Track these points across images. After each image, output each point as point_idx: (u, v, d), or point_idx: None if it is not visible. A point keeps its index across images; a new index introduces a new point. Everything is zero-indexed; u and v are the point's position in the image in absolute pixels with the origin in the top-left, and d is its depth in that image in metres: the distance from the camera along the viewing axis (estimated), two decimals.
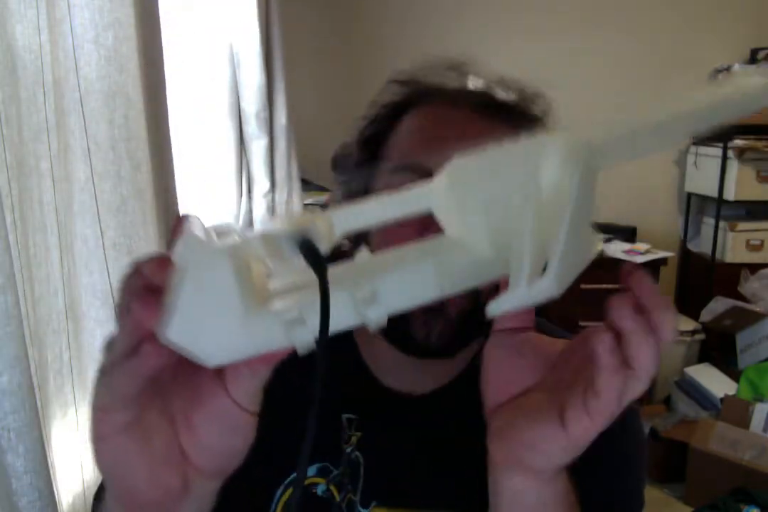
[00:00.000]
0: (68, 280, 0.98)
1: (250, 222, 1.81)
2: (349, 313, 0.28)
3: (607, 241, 2.67)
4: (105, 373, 0.31)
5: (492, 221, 0.30)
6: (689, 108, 0.32)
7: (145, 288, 0.28)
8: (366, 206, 0.30)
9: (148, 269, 0.29)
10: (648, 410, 2.42)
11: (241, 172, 1.82)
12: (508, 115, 0.60)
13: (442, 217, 0.31)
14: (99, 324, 1.03)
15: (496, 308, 0.31)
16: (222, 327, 0.27)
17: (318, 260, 0.27)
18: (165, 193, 1.17)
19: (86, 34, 0.96)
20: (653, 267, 2.48)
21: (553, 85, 0.65)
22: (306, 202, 2.02)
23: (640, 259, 2.45)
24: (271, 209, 1.85)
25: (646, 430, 2.28)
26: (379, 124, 0.63)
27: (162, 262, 0.28)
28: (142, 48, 1.06)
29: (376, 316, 0.29)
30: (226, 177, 1.79)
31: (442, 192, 0.31)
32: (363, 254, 0.31)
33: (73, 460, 1.01)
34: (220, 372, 0.32)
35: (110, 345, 0.31)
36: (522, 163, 0.29)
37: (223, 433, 0.34)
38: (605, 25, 2.80)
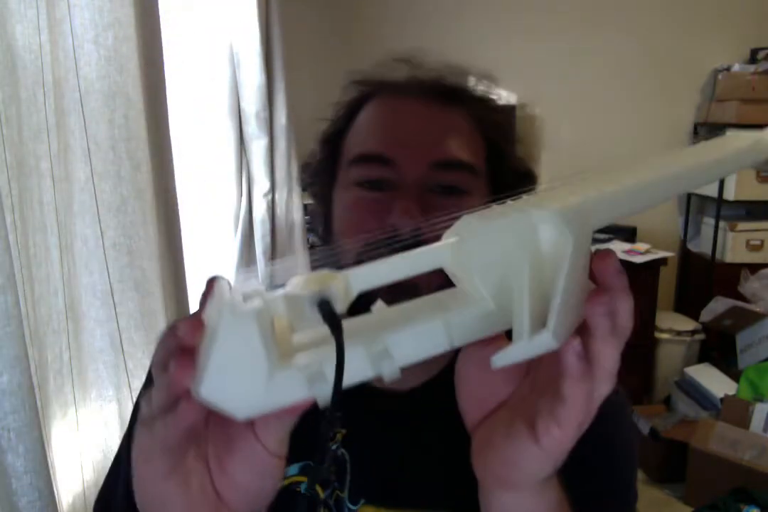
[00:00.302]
0: (68, 280, 0.98)
1: (249, 223, 1.81)
2: (365, 367, 0.31)
3: (607, 240, 2.67)
4: (145, 425, 0.33)
5: (496, 278, 0.32)
6: (677, 170, 0.33)
7: (180, 348, 0.31)
8: (381, 266, 0.33)
9: (182, 330, 0.31)
10: (648, 410, 2.42)
11: (241, 172, 1.82)
12: (457, 98, 0.61)
13: (454, 273, 0.34)
14: (99, 324, 1.03)
15: (500, 360, 0.32)
16: (249, 384, 0.30)
17: (334, 321, 0.29)
18: (165, 193, 1.17)
19: (86, 34, 0.96)
20: (653, 267, 2.48)
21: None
22: (306, 202, 2.02)
23: (640, 259, 2.45)
24: (271, 209, 1.85)
25: (646, 430, 2.28)
26: (338, 123, 0.64)
27: (195, 324, 0.31)
28: (142, 48, 1.06)
29: (390, 370, 0.31)
30: (226, 177, 1.79)
31: (451, 250, 0.33)
32: (379, 306, 0.34)
33: (73, 460, 1.01)
34: (250, 421, 0.34)
35: (148, 399, 0.33)
36: (520, 229, 0.32)
37: (254, 476, 0.36)
38: (605, 26, 2.80)
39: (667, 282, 2.82)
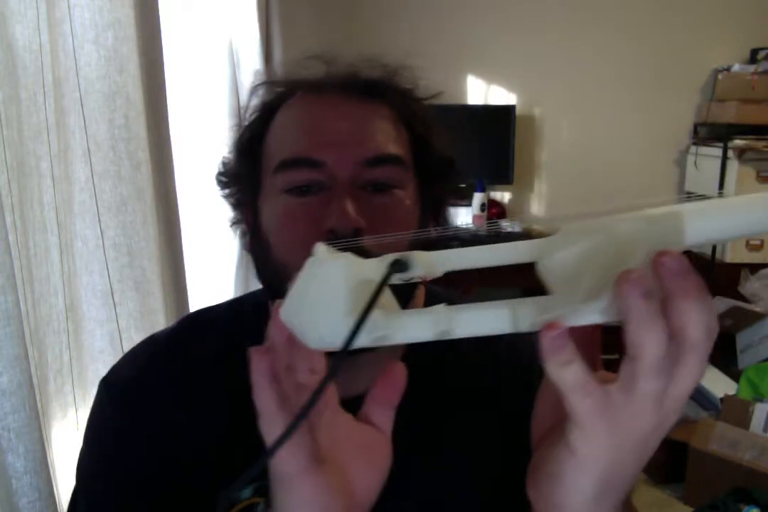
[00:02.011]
0: (68, 280, 0.98)
1: None
2: (425, 328, 0.34)
3: None
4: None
5: (575, 281, 0.33)
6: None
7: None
8: (472, 251, 0.35)
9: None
10: None
11: None
12: (377, 92, 0.59)
13: (542, 271, 0.35)
14: (99, 324, 1.03)
15: (539, 322, 0.32)
16: (327, 319, 0.35)
17: (386, 275, 0.34)
18: (165, 193, 1.17)
19: (86, 34, 0.96)
20: None
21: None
22: None
23: None
24: None
25: None
26: (253, 128, 0.61)
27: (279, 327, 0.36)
28: (142, 48, 1.06)
29: (445, 332, 0.34)
30: None
31: (553, 250, 0.34)
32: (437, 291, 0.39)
33: (73, 460, 1.01)
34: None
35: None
36: (623, 242, 0.32)
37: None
38: (605, 25, 2.80)
39: None
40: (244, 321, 0.63)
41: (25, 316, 0.83)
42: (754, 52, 2.74)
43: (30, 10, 0.87)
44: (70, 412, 1.00)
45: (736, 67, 2.69)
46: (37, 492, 0.79)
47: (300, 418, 0.33)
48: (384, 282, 0.34)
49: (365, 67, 0.61)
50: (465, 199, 2.71)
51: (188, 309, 1.30)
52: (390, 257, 0.35)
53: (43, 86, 0.91)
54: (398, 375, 0.40)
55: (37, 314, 0.92)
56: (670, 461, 2.20)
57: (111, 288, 1.03)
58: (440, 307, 0.34)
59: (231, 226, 0.66)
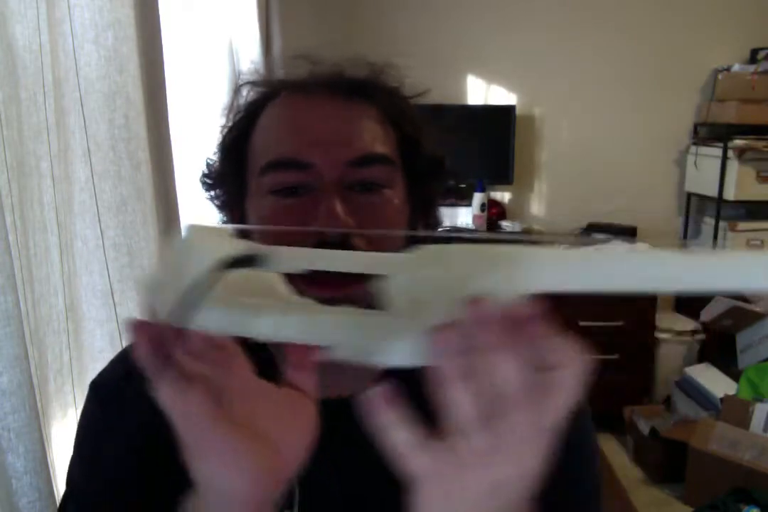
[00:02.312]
0: (68, 280, 0.98)
1: None
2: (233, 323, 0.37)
3: (607, 241, 2.67)
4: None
5: (416, 300, 0.32)
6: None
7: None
8: (335, 254, 0.37)
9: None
10: (648, 410, 2.42)
11: None
12: (363, 91, 0.59)
13: (386, 289, 0.34)
14: (99, 324, 1.03)
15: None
16: (173, 297, 0.35)
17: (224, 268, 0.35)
18: (165, 193, 1.17)
19: (86, 34, 0.96)
20: None
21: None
22: None
23: None
24: None
25: (646, 430, 2.28)
26: (238, 129, 0.61)
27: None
28: (142, 48, 1.06)
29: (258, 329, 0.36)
30: None
31: (406, 267, 0.33)
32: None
33: None
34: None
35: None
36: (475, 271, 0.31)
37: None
38: (605, 25, 2.80)
39: None
40: None
41: (25, 316, 0.83)
42: (754, 52, 2.74)
43: (30, 10, 0.87)
44: (70, 412, 1.00)
45: (736, 67, 2.69)
46: (37, 492, 0.79)
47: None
48: (213, 275, 0.34)
49: (351, 67, 0.61)
50: (465, 199, 2.71)
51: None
52: (253, 248, 0.36)
53: (43, 86, 0.91)
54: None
55: (37, 314, 0.92)
56: (670, 461, 2.20)
57: (111, 288, 1.03)
58: (274, 309, 0.36)
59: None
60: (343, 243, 0.52)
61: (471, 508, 0.32)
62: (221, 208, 0.64)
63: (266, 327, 0.35)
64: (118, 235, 1.04)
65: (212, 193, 0.64)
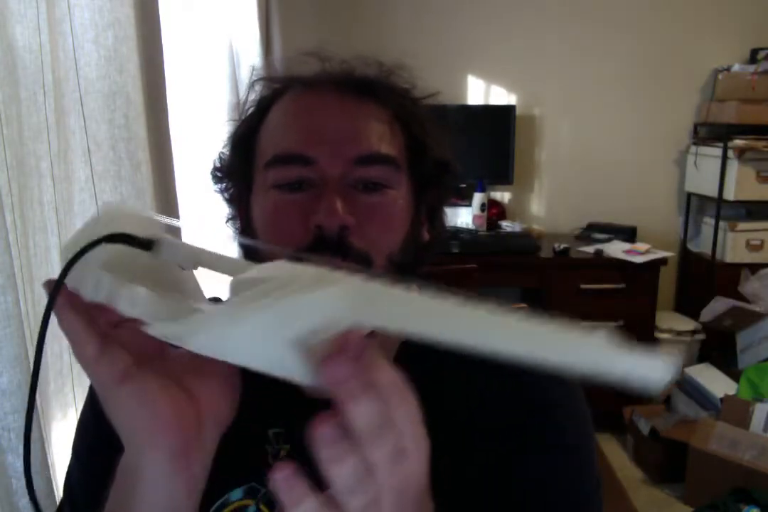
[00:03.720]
0: None
1: None
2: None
3: (607, 240, 2.67)
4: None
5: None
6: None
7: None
8: (212, 254, 0.41)
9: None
10: (648, 410, 2.42)
11: None
12: (372, 90, 0.59)
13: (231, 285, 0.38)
14: None
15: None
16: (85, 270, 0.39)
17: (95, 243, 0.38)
18: (165, 193, 1.17)
19: (86, 34, 0.96)
20: (653, 267, 2.49)
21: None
22: None
23: (640, 259, 2.45)
24: None
25: (646, 430, 2.28)
26: (249, 123, 0.61)
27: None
28: (142, 48, 1.06)
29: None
30: None
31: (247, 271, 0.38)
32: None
33: None
34: None
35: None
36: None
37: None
38: (605, 25, 2.80)
39: (667, 282, 2.82)
40: None
41: (25, 316, 0.83)
42: (754, 52, 2.74)
43: (30, 10, 0.87)
44: (70, 412, 1.00)
45: (736, 67, 2.69)
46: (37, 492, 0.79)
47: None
48: (90, 245, 0.38)
49: (361, 65, 0.61)
50: (465, 199, 2.71)
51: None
52: (154, 235, 0.39)
53: (43, 86, 0.91)
54: None
55: (37, 314, 0.92)
56: (670, 461, 2.20)
57: None
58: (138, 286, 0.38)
59: (226, 222, 0.66)
60: (340, 240, 0.52)
61: None
62: (229, 201, 0.64)
63: (125, 302, 0.38)
64: None
65: (220, 186, 0.64)
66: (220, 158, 0.65)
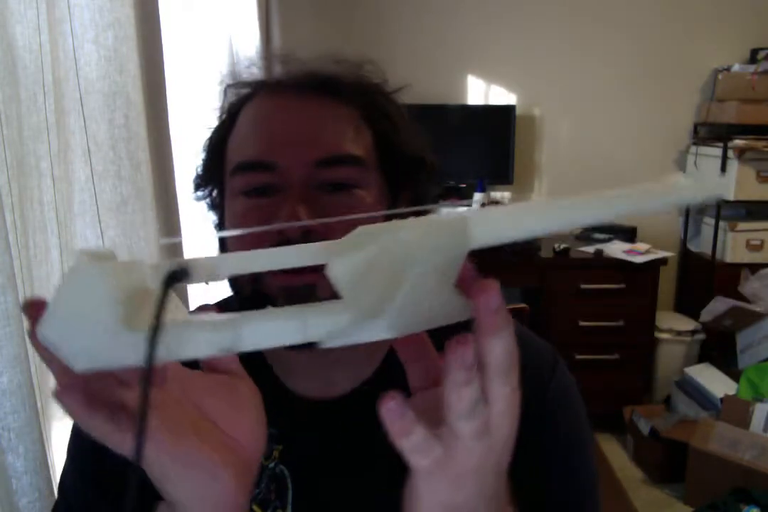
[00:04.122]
0: None
1: None
2: (208, 341, 0.31)
3: (607, 240, 2.67)
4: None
5: (368, 285, 0.31)
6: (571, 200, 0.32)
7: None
8: (260, 254, 0.33)
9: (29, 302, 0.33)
10: (648, 410, 2.42)
11: None
12: (336, 89, 0.58)
13: (334, 275, 0.32)
14: None
15: (330, 340, 0.31)
16: (93, 336, 0.30)
17: (165, 289, 0.30)
18: (165, 193, 1.17)
19: (86, 34, 0.96)
20: (653, 267, 2.49)
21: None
22: None
23: (640, 259, 2.45)
24: None
25: (646, 430, 2.28)
26: (220, 129, 0.61)
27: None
28: (142, 48, 1.06)
29: (235, 345, 0.31)
30: None
31: (340, 253, 0.32)
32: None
33: None
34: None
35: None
36: (399, 245, 0.31)
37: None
38: (605, 25, 2.80)
39: (667, 282, 2.83)
40: None
41: (25, 316, 0.83)
42: (754, 52, 2.74)
43: (30, 10, 0.87)
44: None
45: (736, 67, 2.69)
46: (37, 492, 0.79)
47: (141, 436, 0.30)
48: (165, 294, 0.30)
49: (326, 64, 0.60)
50: (465, 199, 2.71)
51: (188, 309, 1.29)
52: (167, 265, 0.31)
53: (43, 86, 0.91)
54: None
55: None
56: (670, 461, 2.20)
57: None
58: (224, 318, 0.31)
59: (213, 227, 0.66)
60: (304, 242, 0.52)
61: (466, 494, 0.34)
62: (210, 208, 0.64)
63: (251, 339, 0.31)
64: (118, 235, 1.04)
65: (200, 193, 0.65)
66: (198, 166, 0.65)
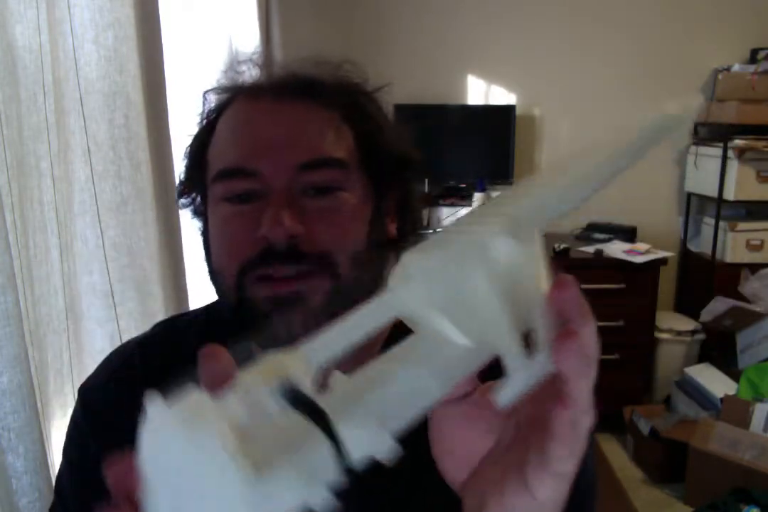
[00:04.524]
0: (68, 280, 0.98)
1: None
2: (360, 448, 0.25)
3: (607, 240, 2.67)
4: None
5: (460, 311, 0.28)
6: (594, 165, 0.32)
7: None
8: (335, 332, 0.27)
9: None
10: (648, 410, 2.42)
11: None
12: (314, 92, 0.57)
13: (411, 318, 0.29)
14: (99, 324, 1.03)
15: (505, 398, 0.28)
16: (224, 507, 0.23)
17: (314, 408, 0.24)
18: (165, 193, 1.17)
19: (86, 34, 0.96)
20: (653, 267, 2.49)
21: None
22: None
23: (640, 259, 2.45)
24: None
25: (647, 430, 2.28)
26: (200, 136, 0.61)
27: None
28: (142, 48, 1.06)
29: (388, 444, 0.25)
30: None
31: (402, 294, 0.28)
32: (338, 377, 0.27)
33: None
34: None
35: None
36: (468, 254, 0.28)
37: None
38: (605, 25, 2.81)
39: (667, 282, 2.83)
40: (217, 327, 0.62)
41: (25, 316, 0.83)
42: (754, 52, 2.74)
43: (30, 10, 0.87)
44: (70, 412, 1.00)
45: (736, 67, 2.69)
46: (37, 492, 0.79)
47: None
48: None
49: (305, 67, 0.59)
50: (466, 199, 2.72)
51: (189, 309, 1.29)
52: (272, 390, 0.24)
53: (43, 86, 0.91)
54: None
55: (37, 314, 0.92)
56: (670, 461, 2.20)
57: (111, 289, 1.03)
58: (324, 452, 0.24)
59: (199, 234, 0.65)
60: (290, 249, 0.51)
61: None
62: (194, 214, 0.63)
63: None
64: (118, 234, 1.04)
65: (183, 201, 0.64)
66: (182, 172, 0.64)
